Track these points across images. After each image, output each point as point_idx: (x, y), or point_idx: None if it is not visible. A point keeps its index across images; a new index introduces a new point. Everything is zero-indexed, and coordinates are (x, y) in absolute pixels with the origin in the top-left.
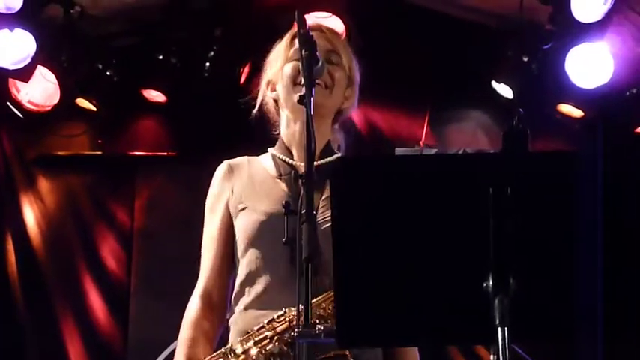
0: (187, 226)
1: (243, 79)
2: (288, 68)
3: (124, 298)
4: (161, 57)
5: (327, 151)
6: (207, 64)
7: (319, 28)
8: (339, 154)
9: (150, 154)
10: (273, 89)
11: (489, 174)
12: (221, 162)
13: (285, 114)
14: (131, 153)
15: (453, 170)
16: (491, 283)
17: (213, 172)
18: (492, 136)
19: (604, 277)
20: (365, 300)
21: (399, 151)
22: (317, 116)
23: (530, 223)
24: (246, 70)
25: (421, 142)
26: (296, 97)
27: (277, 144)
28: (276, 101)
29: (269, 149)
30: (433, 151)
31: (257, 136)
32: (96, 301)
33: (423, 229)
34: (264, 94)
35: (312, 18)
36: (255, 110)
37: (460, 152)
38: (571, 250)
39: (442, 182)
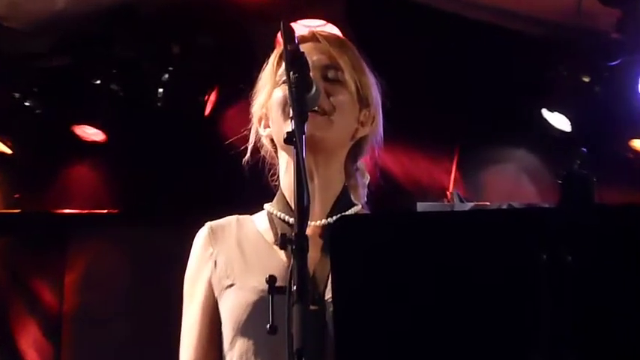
0: (135, 305)
1: (208, 110)
2: (278, 94)
3: None
4: (99, 82)
5: (343, 201)
6: (161, 90)
7: (313, 37)
8: (360, 206)
9: (85, 212)
10: (267, 125)
11: (542, 235)
12: (182, 222)
13: (283, 156)
14: (60, 211)
15: (493, 231)
16: None
17: (168, 236)
18: (543, 184)
19: None
20: None
21: (421, 206)
22: (320, 155)
23: (594, 292)
24: (213, 98)
25: (449, 193)
26: (284, 134)
27: (276, 197)
28: (273, 140)
29: (265, 205)
30: (468, 206)
31: (234, 186)
32: None
33: (451, 305)
34: (257, 134)
35: (303, 27)
36: (247, 156)
37: (504, 207)
38: None
39: (479, 246)
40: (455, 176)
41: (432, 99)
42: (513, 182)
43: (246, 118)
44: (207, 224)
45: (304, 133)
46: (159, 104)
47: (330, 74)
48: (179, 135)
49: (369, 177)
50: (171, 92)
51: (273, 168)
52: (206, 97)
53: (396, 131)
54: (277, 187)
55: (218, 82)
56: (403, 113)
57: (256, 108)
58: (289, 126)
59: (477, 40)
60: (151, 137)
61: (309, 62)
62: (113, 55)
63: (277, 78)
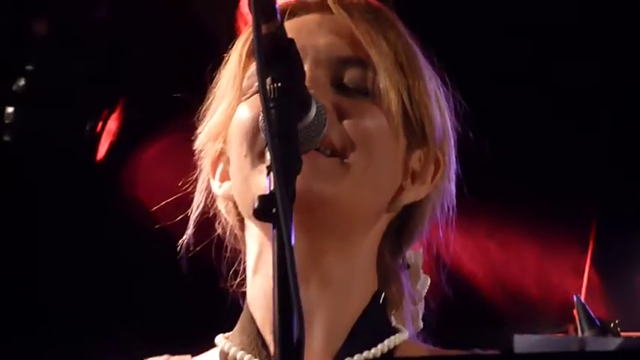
0: None
1: (104, 147)
2: (245, 114)
3: None
4: None
5: (370, 326)
6: (10, 110)
7: (319, 3)
8: (404, 334)
9: None
10: (226, 176)
11: None
12: None
13: (254, 237)
14: None
15: None
16: None
17: None
18: None
19: None
20: None
21: (523, 341)
22: (327, 235)
23: None
24: (113, 125)
25: (576, 313)
26: (254, 201)
27: (239, 322)
28: (236, 206)
29: (218, 338)
30: (612, 342)
31: (161, 297)
32: None
33: None
34: (208, 191)
35: None
36: (186, 237)
37: None
38: None
39: None
40: (589, 279)
41: (545, 136)
42: None
43: (185, 163)
44: None
45: (293, 197)
46: (4, 137)
47: (350, 76)
48: (46, 197)
49: (428, 280)
50: (30, 113)
51: (237, 259)
52: (99, 124)
53: (478, 196)
54: (244, 298)
55: (123, 92)
56: (497, 170)
57: (205, 139)
58: (263, 180)
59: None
60: None
61: (309, 53)
62: None
63: (247, 84)
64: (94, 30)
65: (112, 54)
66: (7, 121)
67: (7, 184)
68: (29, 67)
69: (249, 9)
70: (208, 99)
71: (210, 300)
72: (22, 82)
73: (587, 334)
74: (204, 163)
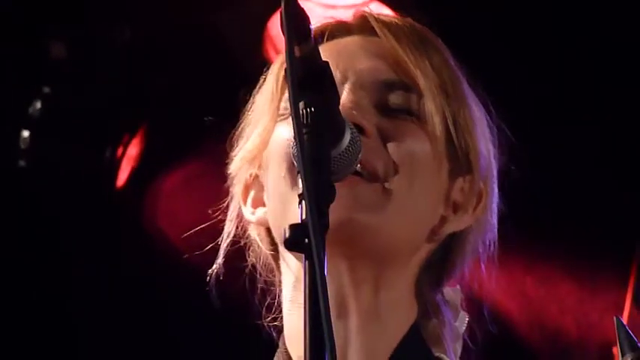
0: None
1: (124, 175)
2: (283, 134)
3: None
4: None
5: (409, 353)
6: (26, 135)
7: (362, 24)
8: None
9: None
10: (260, 202)
11: None
12: None
13: (289, 269)
14: None
15: None
16: None
17: None
18: None
19: None
20: None
21: None
22: (366, 265)
23: None
24: (135, 150)
25: (617, 336)
26: (285, 231)
27: (276, 356)
28: (271, 234)
29: None
30: None
31: (188, 331)
32: None
33: None
34: (240, 219)
35: (320, 7)
36: (215, 266)
37: None
38: None
39: None
40: (630, 316)
41: (586, 170)
42: None
43: (208, 192)
44: None
45: (326, 227)
46: (21, 162)
47: (395, 98)
48: (63, 226)
49: (466, 318)
50: (47, 138)
51: (270, 293)
52: (119, 149)
53: (515, 230)
54: (279, 334)
55: (144, 116)
56: (529, 195)
57: (240, 163)
58: (296, 208)
59: None
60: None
61: (350, 77)
62: None
63: (284, 106)
64: (114, 52)
65: (133, 77)
66: (22, 146)
67: (21, 212)
68: (46, 90)
69: (282, 30)
70: (242, 123)
71: (241, 339)
72: (38, 105)
73: (628, 357)
74: (236, 190)
